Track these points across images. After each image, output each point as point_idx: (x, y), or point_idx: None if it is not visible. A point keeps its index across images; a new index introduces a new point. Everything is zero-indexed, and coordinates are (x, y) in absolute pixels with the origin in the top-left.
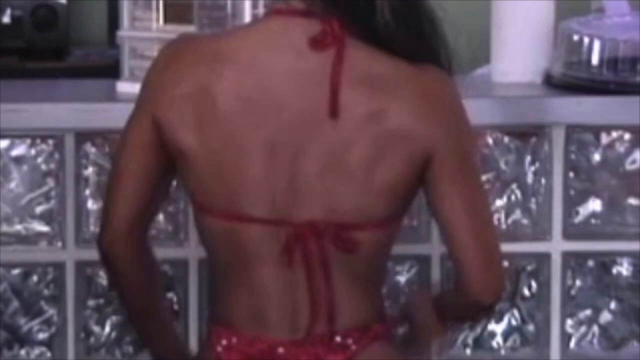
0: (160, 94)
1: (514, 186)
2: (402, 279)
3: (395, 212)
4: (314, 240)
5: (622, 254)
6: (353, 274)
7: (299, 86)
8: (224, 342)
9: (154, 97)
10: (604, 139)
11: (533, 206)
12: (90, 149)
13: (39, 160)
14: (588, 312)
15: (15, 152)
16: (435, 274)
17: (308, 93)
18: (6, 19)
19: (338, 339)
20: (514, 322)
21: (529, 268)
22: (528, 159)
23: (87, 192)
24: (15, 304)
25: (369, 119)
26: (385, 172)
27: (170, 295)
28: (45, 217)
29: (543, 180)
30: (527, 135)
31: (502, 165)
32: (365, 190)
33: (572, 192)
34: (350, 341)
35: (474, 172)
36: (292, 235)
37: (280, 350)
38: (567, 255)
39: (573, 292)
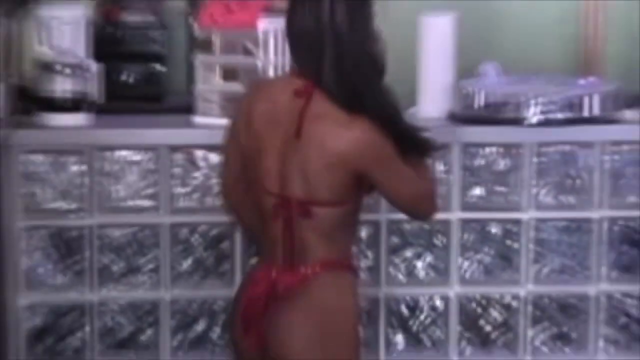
0: (236, 115)
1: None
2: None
3: (339, 199)
4: (287, 208)
5: (493, 220)
6: (316, 230)
7: (289, 115)
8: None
9: (235, 117)
10: (484, 151)
11: (443, 190)
12: (177, 156)
13: (146, 162)
14: (473, 254)
15: (133, 158)
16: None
17: (292, 121)
18: (130, 79)
19: (302, 269)
20: (429, 261)
21: (439, 228)
22: (440, 163)
23: (176, 182)
24: (129, 250)
25: (319, 142)
26: (329, 177)
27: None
28: (149, 197)
29: (449, 176)
30: (439, 148)
31: None
32: (317, 185)
33: (465, 183)
34: (309, 270)
35: (394, 167)
36: (277, 204)
37: (274, 273)
38: (461, 220)
39: (468, 244)
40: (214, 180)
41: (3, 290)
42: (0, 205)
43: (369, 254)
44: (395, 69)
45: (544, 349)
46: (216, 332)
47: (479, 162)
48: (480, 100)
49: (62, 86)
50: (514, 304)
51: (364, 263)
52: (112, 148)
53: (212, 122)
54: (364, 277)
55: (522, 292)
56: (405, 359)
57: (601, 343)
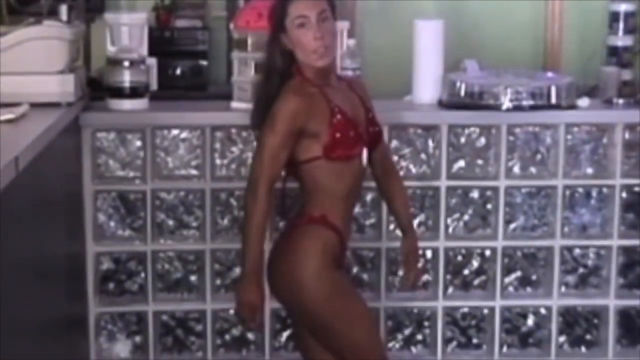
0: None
1: (422, 154)
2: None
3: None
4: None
5: (474, 187)
6: (301, 187)
7: None
8: None
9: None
10: (466, 131)
11: (432, 163)
12: (217, 134)
13: (193, 139)
14: (458, 214)
15: (182, 135)
16: None
17: None
18: (178, 71)
19: (297, 220)
20: (422, 219)
21: (430, 193)
22: (430, 140)
23: (216, 155)
24: (181, 208)
25: None
26: None
27: None
28: (195, 167)
29: (437, 151)
30: (430, 128)
31: (417, 144)
32: None
33: (450, 157)
34: (296, 222)
35: (261, 139)
36: None
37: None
38: (448, 188)
39: (451, 205)
40: (248, 154)
41: (81, 242)
42: (78, 173)
43: (372, 214)
44: (394, 64)
45: (512, 289)
46: None
47: (462, 140)
48: (463, 90)
49: (125, 77)
50: (489, 254)
51: (368, 222)
52: (165, 127)
53: (246, 107)
54: (369, 233)
55: (496, 244)
56: (401, 297)
57: (562, 287)
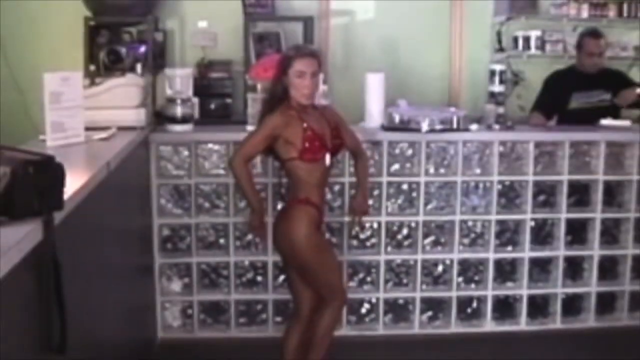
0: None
1: (372, 160)
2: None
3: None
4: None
5: (405, 182)
6: (290, 180)
7: None
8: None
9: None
10: (400, 145)
11: (378, 165)
12: (235, 147)
13: (222, 150)
14: (393, 200)
15: (215, 148)
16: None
17: None
18: (212, 106)
19: (289, 202)
20: (371, 202)
21: (376, 186)
22: (376, 151)
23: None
24: (213, 195)
25: None
26: None
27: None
28: (223, 168)
29: (380, 158)
30: (376, 143)
31: (369, 152)
32: None
33: (389, 161)
34: (290, 203)
35: (252, 132)
36: None
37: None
38: (388, 183)
39: (390, 193)
40: (258, 160)
41: (149, 217)
42: (147, 173)
43: (338, 199)
44: (353, 101)
45: (428, 248)
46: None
47: (397, 151)
48: (397, 118)
49: (177, 110)
50: (414, 225)
51: (336, 204)
52: (204, 142)
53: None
54: (336, 211)
55: (418, 219)
56: (357, 253)
57: (459, 247)
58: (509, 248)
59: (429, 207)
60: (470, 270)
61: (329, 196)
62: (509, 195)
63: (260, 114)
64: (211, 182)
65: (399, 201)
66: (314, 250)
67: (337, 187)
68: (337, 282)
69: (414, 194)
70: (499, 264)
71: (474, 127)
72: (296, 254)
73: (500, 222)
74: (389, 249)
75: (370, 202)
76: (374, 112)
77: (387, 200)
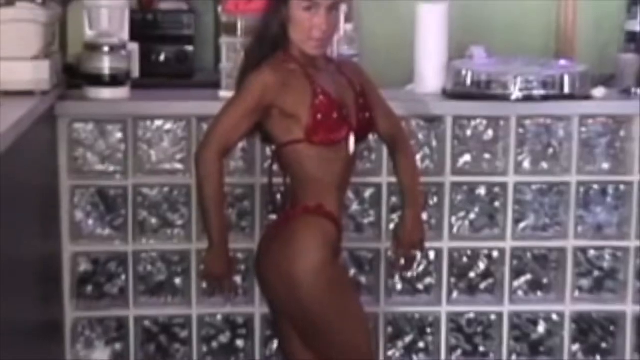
0: None
1: (426, 147)
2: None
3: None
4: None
5: (481, 183)
6: (290, 175)
7: None
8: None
9: None
10: (472, 123)
11: (436, 157)
12: (204, 126)
13: (178, 131)
14: (463, 213)
15: (166, 127)
16: None
17: None
18: (162, 58)
19: (290, 211)
20: (425, 218)
21: (434, 190)
22: (433, 133)
23: None
24: (165, 205)
25: None
26: None
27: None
28: (181, 161)
29: (441, 144)
30: (433, 120)
31: (420, 136)
32: None
33: (456, 151)
34: (290, 213)
35: (226, 104)
36: None
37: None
38: (453, 184)
39: (456, 202)
40: (239, 148)
41: (56, 241)
42: (53, 167)
43: (371, 212)
44: (395, 51)
45: (521, 294)
46: (238, 279)
47: (468, 132)
48: (469, 79)
49: (104, 64)
50: (497, 255)
51: (367, 220)
52: (148, 118)
53: None
54: (368, 232)
55: (504, 245)
56: (401, 302)
57: (575, 291)
58: None
59: (522, 225)
60: (592, 332)
61: (354, 205)
62: None
63: (240, 70)
64: (161, 184)
65: (472, 216)
66: (329, 292)
67: (369, 192)
68: (362, 346)
69: (497, 204)
70: None
71: (599, 92)
72: (297, 298)
73: None
74: (455, 294)
75: (424, 218)
76: (430, 69)
77: (451, 215)
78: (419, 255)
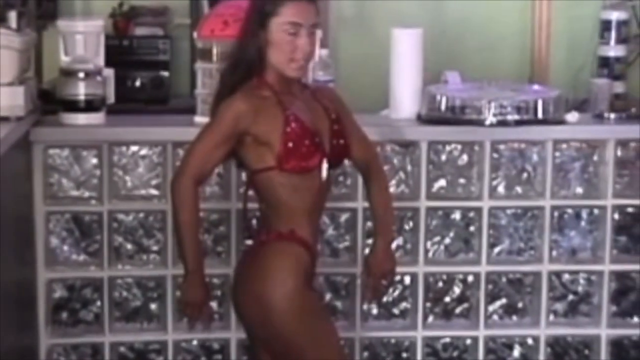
0: None
1: (400, 172)
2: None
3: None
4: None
5: (456, 207)
6: (263, 201)
7: None
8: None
9: None
10: (447, 148)
11: (411, 182)
12: (180, 151)
13: (154, 157)
14: (438, 237)
15: (142, 152)
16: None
17: None
18: (137, 83)
19: (263, 237)
20: (400, 243)
21: (408, 214)
22: (408, 158)
23: None
24: (141, 231)
25: None
26: None
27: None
28: (156, 187)
29: (416, 169)
30: (408, 145)
31: (395, 161)
32: None
33: (431, 175)
34: (264, 239)
35: (200, 133)
36: None
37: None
38: (428, 208)
39: (431, 227)
40: (214, 174)
41: (31, 267)
42: (28, 193)
43: (347, 236)
44: (370, 76)
45: (496, 318)
46: (214, 305)
47: (443, 157)
48: (443, 104)
49: (80, 90)
50: (472, 279)
51: (342, 244)
52: (123, 144)
53: None
54: (343, 257)
55: (479, 269)
56: (377, 327)
57: (550, 315)
58: (634, 320)
59: (497, 250)
60: (567, 356)
61: (330, 230)
62: (634, 231)
63: (215, 96)
64: (136, 210)
65: (447, 240)
66: (302, 318)
67: (344, 216)
68: None
69: (472, 229)
70: (616, 345)
71: (573, 116)
72: (271, 324)
73: (618, 276)
74: (431, 319)
75: (399, 243)
76: (404, 94)
77: (426, 239)
78: (388, 285)
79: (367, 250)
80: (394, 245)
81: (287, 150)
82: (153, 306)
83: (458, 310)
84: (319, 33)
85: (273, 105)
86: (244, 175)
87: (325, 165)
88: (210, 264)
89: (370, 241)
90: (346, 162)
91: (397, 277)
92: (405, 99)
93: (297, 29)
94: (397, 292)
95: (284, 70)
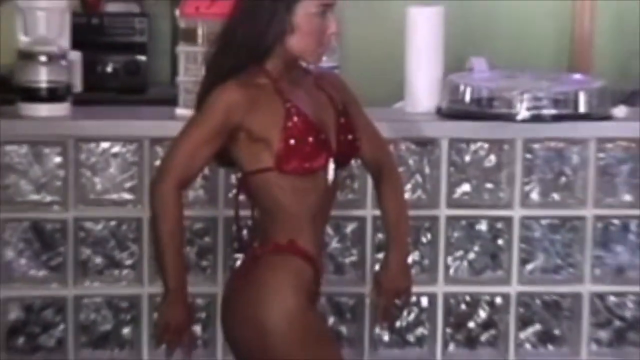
0: None
1: (417, 175)
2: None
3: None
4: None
5: (482, 217)
6: (259, 208)
7: None
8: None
9: None
10: (472, 147)
11: (428, 187)
12: (159, 149)
13: (128, 155)
14: (461, 252)
15: (113, 150)
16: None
17: None
18: (109, 69)
19: (257, 249)
20: (416, 258)
21: (426, 225)
22: (426, 159)
23: None
24: (112, 242)
25: None
26: None
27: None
28: (131, 190)
29: (435, 172)
30: (426, 144)
31: (410, 162)
32: None
33: (452, 179)
34: (259, 251)
35: (185, 127)
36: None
37: None
38: (448, 218)
39: (452, 240)
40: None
41: None
42: None
43: (354, 250)
44: (382, 62)
45: (529, 347)
46: (197, 329)
47: (467, 158)
48: (468, 95)
49: (41, 76)
50: (500, 302)
51: (348, 259)
52: (92, 140)
53: None
54: (350, 274)
55: (509, 290)
56: (389, 356)
57: (592, 345)
58: None
59: (530, 267)
60: None
61: (334, 243)
62: None
63: (202, 85)
64: (107, 218)
65: (471, 255)
66: (304, 343)
67: (351, 227)
68: None
69: (501, 242)
70: None
71: (620, 111)
72: (268, 351)
73: None
74: (452, 348)
75: (415, 258)
76: (422, 84)
77: (447, 254)
78: (402, 306)
79: (377, 266)
80: (409, 260)
81: (288, 149)
82: (126, 330)
83: (484, 337)
84: None
85: (271, 94)
86: (234, 177)
87: (332, 166)
88: (194, 281)
89: (381, 255)
90: (354, 162)
91: (413, 298)
92: (423, 89)
93: (327, 10)
94: (412, 316)
95: (309, 57)
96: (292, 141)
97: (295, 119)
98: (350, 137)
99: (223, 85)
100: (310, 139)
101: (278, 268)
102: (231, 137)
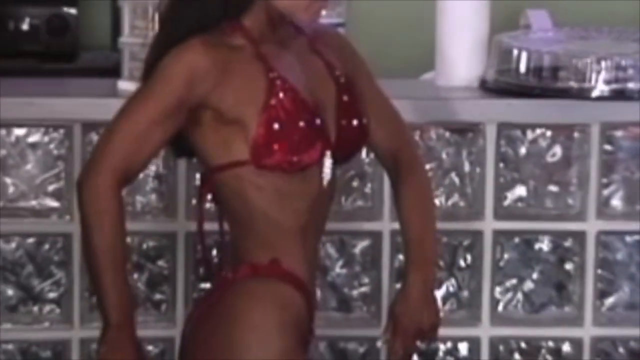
0: None
1: (452, 174)
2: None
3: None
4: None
5: (543, 232)
6: (229, 217)
7: None
8: None
9: None
10: (529, 135)
11: (469, 191)
12: (94, 137)
13: (51, 146)
14: (514, 281)
15: (31, 139)
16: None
17: None
18: (25, 26)
19: (229, 273)
20: (451, 289)
21: (465, 243)
22: (465, 151)
23: None
24: (29, 267)
25: None
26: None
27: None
28: (56, 195)
29: (477, 169)
30: (465, 131)
31: (443, 156)
32: None
33: (501, 180)
34: (230, 276)
35: (128, 102)
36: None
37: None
38: (496, 233)
39: (501, 264)
40: (150, 175)
41: None
42: None
43: (366, 278)
44: (404, 18)
45: None
46: None
47: (522, 150)
48: (524, 64)
49: None
50: (569, 349)
51: (357, 291)
52: (3, 124)
53: None
54: (357, 312)
55: (581, 334)
56: None
57: None
58: None
59: (611, 301)
60: None
61: (337, 268)
62: None
63: (152, 48)
64: (23, 233)
65: (529, 285)
66: None
67: (361, 245)
68: None
69: (570, 267)
70: None
71: None
72: None
73: None
74: None
75: (449, 287)
76: (459, 49)
77: (494, 283)
78: (428, 351)
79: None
80: (439, 292)
81: (270, 136)
82: None
83: None
84: None
85: (249, 61)
86: (197, 177)
87: (329, 161)
88: (144, 321)
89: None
90: (364, 155)
91: (445, 342)
92: (461, 56)
93: None
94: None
95: (297, 16)
96: (275, 125)
97: (281, 95)
98: (355, 121)
99: (183, 45)
100: (301, 123)
101: (257, 297)
102: (192, 118)
